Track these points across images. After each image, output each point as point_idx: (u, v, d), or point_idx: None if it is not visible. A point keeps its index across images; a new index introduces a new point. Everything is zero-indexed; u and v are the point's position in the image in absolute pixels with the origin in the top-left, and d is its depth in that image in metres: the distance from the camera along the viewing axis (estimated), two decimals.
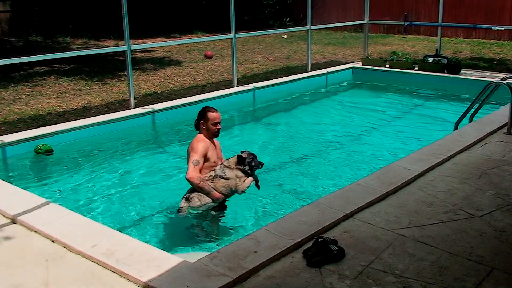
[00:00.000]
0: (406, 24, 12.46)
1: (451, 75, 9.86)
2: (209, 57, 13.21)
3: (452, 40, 15.83)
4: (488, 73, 10.00)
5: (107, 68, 11.63)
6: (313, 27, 10.88)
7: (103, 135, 6.83)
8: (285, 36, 17.63)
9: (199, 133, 4.73)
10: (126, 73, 7.90)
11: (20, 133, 6.45)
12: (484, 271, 3.15)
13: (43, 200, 4.28)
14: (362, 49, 12.66)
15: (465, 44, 15.17)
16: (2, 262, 3.37)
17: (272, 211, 4.79)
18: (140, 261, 3.26)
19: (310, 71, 10.68)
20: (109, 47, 12.43)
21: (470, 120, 6.56)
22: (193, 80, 10.50)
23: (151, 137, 7.30)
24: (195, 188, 4.52)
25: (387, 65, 10.77)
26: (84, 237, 3.60)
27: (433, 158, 5.01)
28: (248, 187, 4.62)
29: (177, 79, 10.61)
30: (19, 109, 8.05)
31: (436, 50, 10.89)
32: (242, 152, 4.66)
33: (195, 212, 4.52)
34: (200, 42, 15.47)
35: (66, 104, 8.37)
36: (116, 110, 7.74)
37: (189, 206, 4.51)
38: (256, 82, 9.58)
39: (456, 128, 6.42)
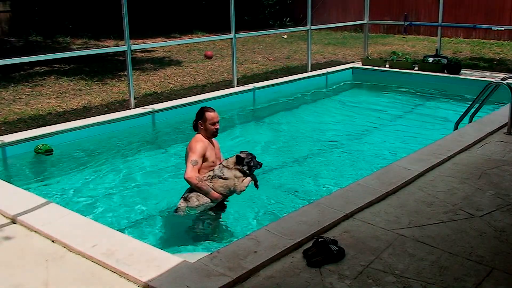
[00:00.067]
0: (406, 24, 12.46)
1: (451, 75, 9.86)
2: (209, 57, 13.21)
3: (452, 40, 15.83)
4: (488, 73, 10.00)
5: (107, 68, 11.63)
6: (313, 27, 10.88)
7: (103, 135, 6.83)
8: (285, 36, 17.63)
9: (197, 133, 4.74)
10: (126, 73, 7.90)
11: (20, 133, 6.45)
12: (484, 271, 3.15)
13: (43, 200, 4.28)
14: (362, 49, 12.66)
15: (465, 44, 15.18)
16: (2, 262, 3.37)
17: (272, 211, 4.79)
18: (140, 261, 3.26)
19: (310, 71, 10.68)
20: (109, 47, 12.43)
21: (470, 120, 6.56)
22: (193, 80, 10.50)
23: (151, 137, 7.30)
24: (193, 188, 4.52)
25: (387, 65, 10.76)
26: (84, 237, 3.60)
27: (433, 158, 5.01)
28: (246, 187, 4.62)
29: (177, 79, 10.61)
30: (19, 109, 8.06)
31: (436, 50, 10.89)
32: (241, 152, 4.66)
33: (194, 212, 4.53)
34: (200, 42, 15.48)
35: (66, 104, 8.37)
36: (116, 110, 7.74)
37: (187, 206, 4.52)
38: (256, 82, 9.58)
39: (456, 128, 6.42)
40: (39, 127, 6.73)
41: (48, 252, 3.46)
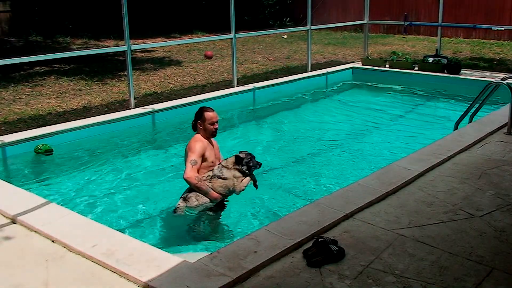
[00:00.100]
0: (406, 24, 12.46)
1: (451, 75, 9.86)
2: (209, 57, 13.21)
3: (452, 40, 15.83)
4: (488, 73, 10.00)
5: (107, 68, 11.63)
6: (313, 27, 10.88)
7: (103, 135, 6.83)
8: (285, 36, 17.63)
9: (196, 133, 4.74)
10: (126, 73, 7.90)
11: (20, 133, 6.45)
12: (484, 271, 3.15)
13: (43, 200, 4.28)
14: (362, 49, 12.66)
15: (465, 44, 15.18)
16: (2, 262, 3.37)
17: (272, 211, 4.79)
18: (140, 261, 3.26)
19: (310, 71, 10.68)
20: (109, 47, 12.43)
21: (470, 120, 6.56)
22: (193, 80, 10.50)
23: (151, 137, 7.30)
24: (192, 188, 4.52)
25: (387, 65, 10.76)
26: (84, 237, 3.60)
27: (433, 158, 5.01)
28: (245, 187, 4.62)
29: (177, 79, 10.61)
30: (19, 109, 8.06)
31: (436, 50, 10.89)
32: (240, 152, 4.67)
33: (193, 212, 4.53)
34: (200, 42, 15.47)
35: (66, 104, 8.37)
36: (116, 110, 7.74)
37: (186, 206, 4.51)
38: (256, 82, 9.58)
39: (456, 128, 6.42)
40: (39, 127, 6.73)
41: (48, 252, 3.46)
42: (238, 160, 4.58)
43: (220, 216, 4.67)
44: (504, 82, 6.12)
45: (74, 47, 14.63)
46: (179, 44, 15.10)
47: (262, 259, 3.23)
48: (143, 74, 11.01)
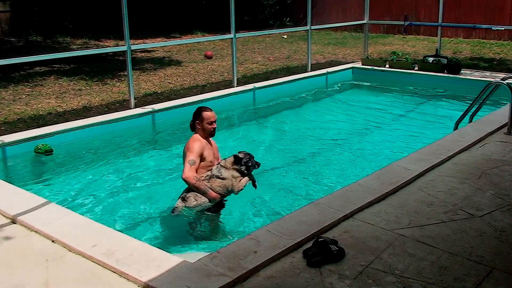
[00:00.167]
0: (406, 24, 12.46)
1: (451, 75, 9.86)
2: (209, 57, 13.21)
3: (452, 40, 15.83)
4: (488, 73, 10.00)
5: (107, 68, 11.64)
6: (313, 27, 10.88)
7: (103, 135, 6.83)
8: (285, 36, 17.63)
9: (195, 133, 4.74)
10: (126, 73, 7.90)
11: (20, 133, 6.45)
12: (484, 271, 3.15)
13: (43, 200, 4.28)
14: (362, 49, 12.66)
15: (465, 44, 15.18)
16: (2, 262, 3.37)
17: (272, 211, 4.79)
18: (140, 261, 3.26)
19: (310, 71, 10.68)
20: (109, 47, 12.42)
21: (470, 120, 6.56)
22: (193, 80, 10.50)
23: (151, 137, 7.30)
24: (191, 188, 4.52)
25: (387, 65, 10.76)
26: (84, 237, 3.60)
27: (433, 158, 5.01)
28: (244, 187, 4.62)
29: (177, 79, 10.61)
30: (19, 109, 8.06)
31: (436, 50, 10.89)
32: (239, 152, 4.67)
33: (191, 212, 4.53)
34: (200, 42, 15.47)
35: (66, 104, 8.37)
36: (116, 110, 7.74)
37: (185, 206, 4.51)
38: (256, 82, 9.58)
39: (456, 128, 6.42)
40: (39, 127, 6.73)
41: (48, 252, 3.46)
42: (237, 160, 4.58)
43: (220, 216, 4.67)
44: (504, 82, 6.12)
45: (74, 47, 14.63)
46: (179, 44, 15.10)
47: (262, 259, 3.23)
48: (143, 74, 11.01)
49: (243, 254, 3.28)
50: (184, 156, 4.58)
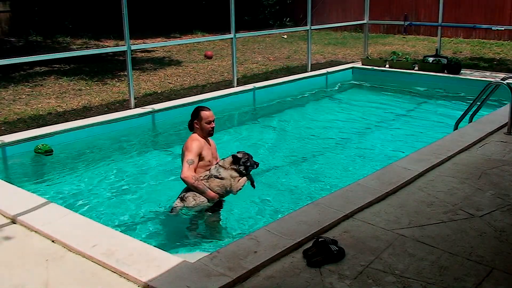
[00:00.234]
0: (406, 24, 12.46)
1: (451, 75, 9.86)
2: (209, 57, 13.21)
3: (452, 40, 15.83)
4: (488, 73, 10.00)
5: (107, 68, 11.64)
6: (313, 27, 10.88)
7: (103, 135, 6.83)
8: (285, 36, 17.63)
9: (193, 133, 4.75)
10: (126, 73, 7.90)
11: (20, 133, 6.45)
12: (484, 271, 3.15)
13: (43, 200, 4.28)
14: (362, 49, 12.66)
15: (465, 44, 15.18)
16: (2, 262, 3.37)
17: (272, 211, 4.79)
18: (140, 261, 3.26)
19: (310, 71, 10.68)
20: (109, 47, 12.43)
21: (470, 120, 6.56)
22: (193, 80, 10.50)
23: (151, 137, 7.30)
24: (190, 188, 4.53)
25: (387, 65, 10.76)
26: (84, 237, 3.60)
27: (433, 158, 5.01)
28: (242, 187, 4.62)
29: (177, 79, 10.61)
30: (19, 109, 8.06)
31: (436, 50, 10.89)
32: (237, 152, 4.67)
33: (190, 212, 4.53)
34: (200, 42, 15.47)
35: (66, 104, 8.37)
36: (116, 110, 7.75)
37: (183, 206, 4.51)
38: (256, 82, 9.58)
39: (456, 128, 6.42)
40: (39, 127, 6.73)
41: (48, 252, 3.46)
42: (235, 160, 4.58)
43: (220, 216, 4.67)
44: (504, 82, 6.12)
45: (74, 47, 14.63)
46: (179, 44, 15.10)
47: (262, 259, 3.23)
48: (143, 74, 11.01)
49: (243, 254, 3.28)
50: (183, 155, 4.58)
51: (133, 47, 7.82)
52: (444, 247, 3.41)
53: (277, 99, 9.18)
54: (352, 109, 8.94)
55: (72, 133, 6.59)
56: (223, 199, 4.71)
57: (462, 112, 6.62)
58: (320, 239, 3.37)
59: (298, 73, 10.53)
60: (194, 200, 4.49)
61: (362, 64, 11.16)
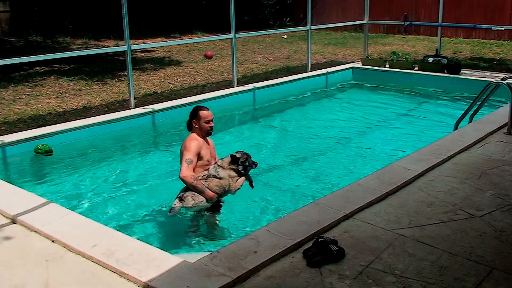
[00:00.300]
0: (406, 24, 12.46)
1: (451, 75, 9.86)
2: (209, 57, 13.21)
3: (452, 40, 15.83)
4: (488, 73, 10.00)
5: (107, 68, 11.64)
6: (313, 27, 10.88)
7: (103, 135, 6.83)
8: (285, 36, 17.63)
9: (192, 132, 4.75)
10: (126, 73, 7.90)
11: (20, 133, 6.45)
12: (484, 271, 3.15)
13: (43, 200, 4.28)
14: (362, 49, 12.66)
15: (465, 44, 15.18)
16: (2, 262, 3.37)
17: (272, 211, 4.79)
18: (140, 261, 3.26)
19: (310, 71, 10.68)
20: (109, 47, 12.43)
21: (470, 120, 6.56)
22: (193, 80, 10.50)
23: (151, 137, 7.30)
24: (188, 188, 4.53)
25: (387, 65, 10.77)
26: (84, 237, 3.60)
27: (433, 158, 5.01)
28: (241, 186, 4.62)
29: (177, 79, 10.61)
30: (19, 109, 8.06)
31: (436, 50, 10.89)
32: (236, 152, 4.67)
33: (189, 212, 4.52)
34: (200, 42, 15.47)
35: (66, 104, 8.37)
36: (116, 110, 7.75)
37: (182, 206, 4.50)
38: (256, 82, 9.58)
39: (456, 128, 6.42)
40: (39, 127, 6.73)
41: (48, 252, 3.46)
42: (234, 160, 4.59)
43: (219, 216, 4.67)
44: (504, 82, 6.12)
45: (74, 47, 14.63)
46: (179, 44, 15.10)
47: (262, 259, 3.23)
48: (143, 74, 11.01)
49: (243, 254, 3.28)
50: (181, 155, 4.58)
51: (133, 47, 7.82)
52: (444, 247, 3.41)
53: (277, 99, 9.18)
54: (352, 109, 8.95)
55: (72, 133, 6.59)
56: (222, 199, 4.71)
57: (462, 112, 6.62)
58: (320, 239, 3.37)
59: (298, 73, 10.53)
60: (193, 200, 4.49)
61: (362, 64, 11.16)
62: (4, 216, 4.02)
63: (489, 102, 6.81)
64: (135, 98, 7.82)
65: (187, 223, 4.56)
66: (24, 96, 8.91)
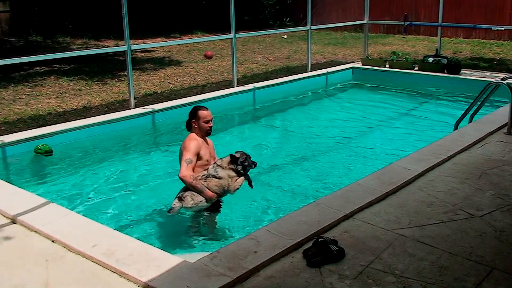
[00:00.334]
0: (406, 24, 12.46)
1: (451, 75, 9.86)
2: (209, 57, 13.21)
3: (452, 40, 15.83)
4: (488, 73, 10.00)
5: (107, 68, 11.64)
6: (313, 27, 10.88)
7: (103, 135, 6.83)
8: (285, 36, 17.63)
9: (191, 132, 4.75)
10: (126, 73, 7.90)
11: (20, 133, 6.45)
12: (484, 271, 3.15)
13: (43, 200, 4.28)
14: (362, 49, 12.66)
15: (465, 44, 15.18)
16: (2, 262, 3.37)
17: (272, 211, 4.79)
18: (140, 261, 3.26)
19: (310, 71, 10.68)
20: (109, 47, 12.43)
21: (470, 120, 6.56)
22: (193, 80, 10.50)
23: (151, 137, 7.30)
24: (188, 187, 4.53)
25: (387, 65, 10.76)
26: (84, 237, 3.60)
27: (433, 158, 5.01)
28: (240, 186, 4.62)
29: (177, 79, 10.61)
30: (19, 109, 8.06)
31: (436, 50, 10.89)
32: (235, 152, 4.67)
33: (188, 212, 4.52)
34: (200, 42, 15.47)
35: (66, 104, 8.37)
36: (116, 110, 7.75)
37: (181, 206, 4.50)
38: (256, 82, 9.58)
39: (456, 128, 6.42)
40: (39, 127, 6.73)
41: (48, 252, 3.46)
42: (233, 160, 4.59)
43: (219, 216, 4.67)
44: (504, 82, 6.12)
45: (74, 47, 14.63)
46: (179, 44, 15.10)
47: (262, 259, 3.23)
48: (143, 74, 11.01)
49: (243, 254, 3.28)
50: (181, 155, 4.58)
51: (133, 47, 7.83)
52: (444, 247, 3.41)
53: (277, 99, 9.18)
54: (352, 109, 8.95)
55: (72, 133, 6.60)
56: (221, 199, 4.71)
57: (462, 112, 6.62)
58: (320, 239, 3.37)
59: (298, 73, 10.53)
60: (192, 199, 4.49)
61: (362, 64, 11.16)
62: (4, 216, 4.02)
63: (489, 102, 6.81)
64: (135, 98, 7.82)
65: (187, 223, 4.56)
66: (24, 96, 8.91)
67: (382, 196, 4.18)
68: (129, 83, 7.60)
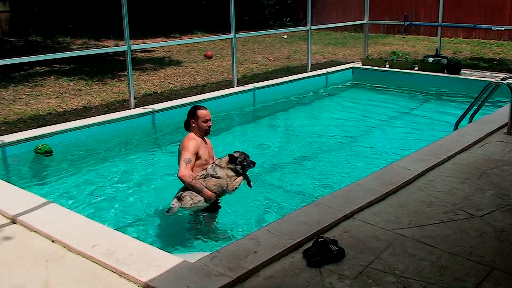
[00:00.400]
0: (406, 24, 12.46)
1: (451, 75, 9.86)
2: (209, 57, 13.21)
3: (452, 40, 15.83)
4: (488, 73, 10.00)
5: (107, 68, 11.64)
6: (313, 27, 10.88)
7: (103, 135, 6.83)
8: (285, 36, 17.63)
9: (190, 132, 4.75)
10: (126, 73, 7.90)
11: (20, 133, 6.45)
12: (484, 271, 3.15)
13: (43, 200, 4.28)
14: (362, 49, 12.66)
15: (465, 44, 15.18)
16: (2, 262, 3.37)
17: (272, 211, 4.79)
18: (140, 261, 3.26)
19: (310, 71, 10.68)
20: (109, 47, 12.43)
21: (470, 120, 6.56)
22: (193, 80, 10.50)
23: (151, 137, 7.30)
24: (187, 187, 4.53)
25: (387, 65, 10.76)
26: (84, 237, 3.60)
27: (433, 158, 5.01)
28: (238, 186, 4.62)
29: (177, 79, 10.61)
30: (19, 109, 8.06)
31: (436, 50, 10.89)
32: (234, 152, 4.67)
33: (187, 212, 4.52)
34: (200, 42, 15.47)
35: (66, 104, 8.37)
36: (116, 110, 7.75)
37: (180, 206, 4.50)
38: (256, 82, 9.58)
39: (456, 128, 6.42)
40: (39, 127, 6.74)
41: (48, 252, 3.46)
42: (232, 159, 4.59)
43: (218, 215, 4.67)
44: (504, 82, 6.12)
45: (74, 47, 14.63)
46: (179, 44, 15.10)
47: (262, 259, 3.23)
48: (143, 74, 11.01)
49: (243, 254, 3.28)
50: (180, 154, 4.58)
51: (133, 47, 7.83)
52: (444, 247, 3.41)
53: (277, 99, 9.18)
54: (352, 109, 8.95)
55: (72, 133, 6.60)
56: (220, 199, 4.71)
57: (462, 112, 6.62)
58: (320, 239, 3.37)
59: (298, 73, 10.53)
60: (191, 199, 4.49)
61: (362, 64, 11.16)
62: (4, 216, 4.02)
63: (489, 102, 6.81)
64: (135, 98, 7.82)
65: (187, 223, 4.56)
66: (24, 96, 8.91)
67: (382, 196, 4.18)
68: (129, 83, 7.60)
